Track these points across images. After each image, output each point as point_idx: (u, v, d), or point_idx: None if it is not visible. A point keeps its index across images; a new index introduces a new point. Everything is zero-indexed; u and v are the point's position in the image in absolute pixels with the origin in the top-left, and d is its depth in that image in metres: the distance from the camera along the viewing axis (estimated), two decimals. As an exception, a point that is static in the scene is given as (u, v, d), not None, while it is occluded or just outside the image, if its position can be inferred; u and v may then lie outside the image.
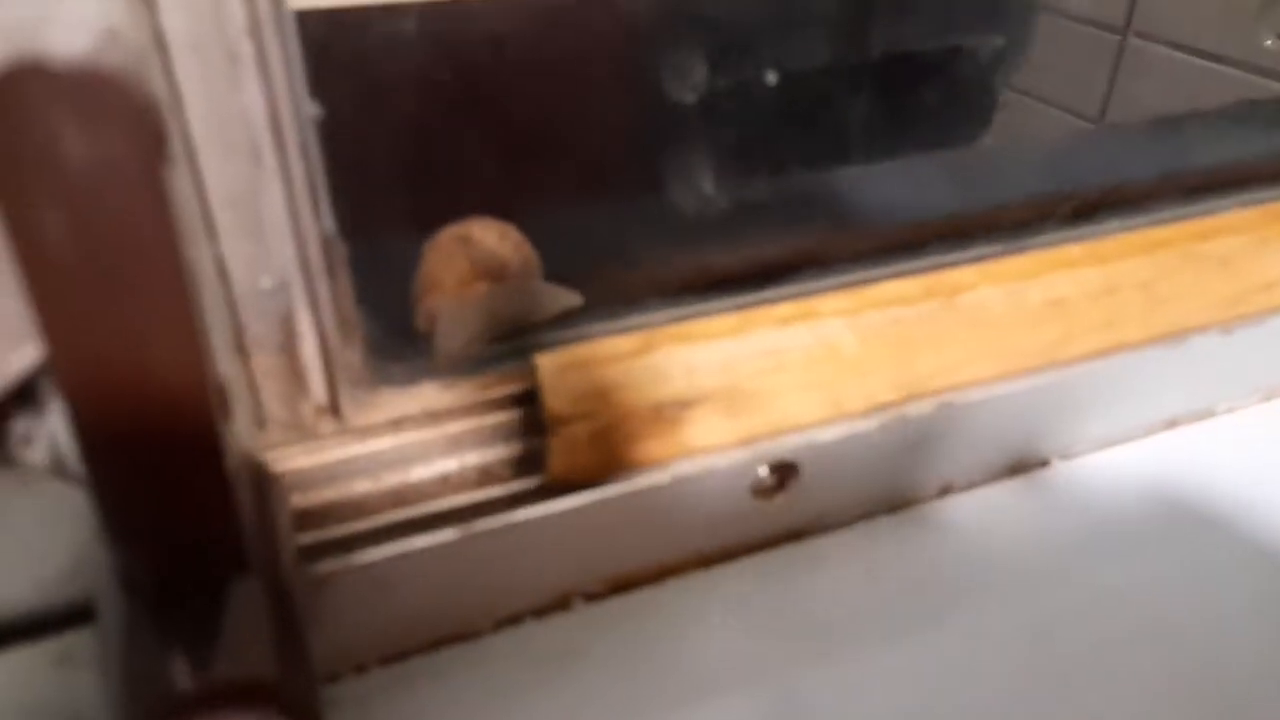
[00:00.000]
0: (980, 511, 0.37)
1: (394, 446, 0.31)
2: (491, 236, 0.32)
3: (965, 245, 0.38)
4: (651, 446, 0.32)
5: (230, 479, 0.21)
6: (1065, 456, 0.39)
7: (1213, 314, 0.38)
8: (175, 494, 0.21)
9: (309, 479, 0.30)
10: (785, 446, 0.33)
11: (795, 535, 0.35)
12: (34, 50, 0.16)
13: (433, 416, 0.31)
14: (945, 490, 0.37)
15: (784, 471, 0.33)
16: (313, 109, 0.25)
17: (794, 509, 0.34)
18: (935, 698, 0.30)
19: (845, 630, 0.32)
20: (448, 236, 0.33)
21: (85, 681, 0.25)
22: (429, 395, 0.31)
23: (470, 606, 0.31)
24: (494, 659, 0.31)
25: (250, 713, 0.20)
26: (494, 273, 0.32)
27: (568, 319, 0.33)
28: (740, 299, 0.35)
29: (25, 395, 0.22)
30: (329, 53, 0.25)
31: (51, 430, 0.22)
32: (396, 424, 0.31)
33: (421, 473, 0.31)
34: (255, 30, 0.23)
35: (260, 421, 0.28)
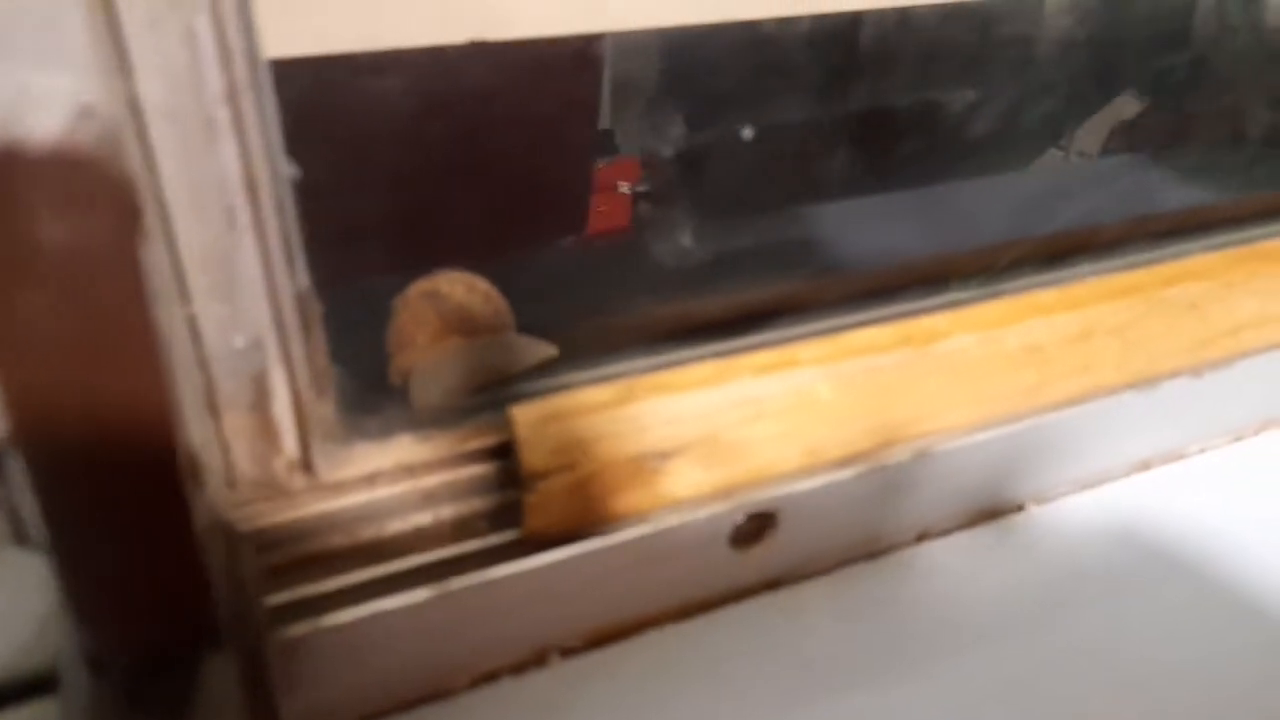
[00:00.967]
0: (957, 557, 0.37)
1: (368, 501, 0.30)
2: (460, 290, 0.32)
3: (939, 290, 0.38)
4: (629, 498, 0.32)
5: (200, 550, 0.21)
6: (1040, 501, 0.39)
7: (1183, 358, 0.39)
8: (143, 568, 0.20)
9: (280, 536, 0.29)
10: (763, 496, 0.33)
11: (773, 584, 0.35)
12: (10, 134, 0.15)
13: (407, 470, 0.31)
14: (922, 536, 0.37)
15: (762, 521, 0.33)
16: (290, 169, 0.25)
17: (772, 558, 0.34)
18: (915, 751, 0.30)
19: (824, 678, 0.32)
20: (416, 293, 0.32)
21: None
22: (403, 448, 0.30)
23: (446, 664, 0.30)
24: (471, 718, 0.30)
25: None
26: (464, 326, 0.31)
27: (544, 369, 0.33)
28: (717, 346, 0.35)
29: (-12, 464, 0.21)
30: (299, 108, 0.24)
31: (13, 500, 0.22)
32: (370, 478, 0.30)
33: (396, 527, 0.31)
34: (232, 96, 0.22)
35: (231, 481, 0.28)
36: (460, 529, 0.31)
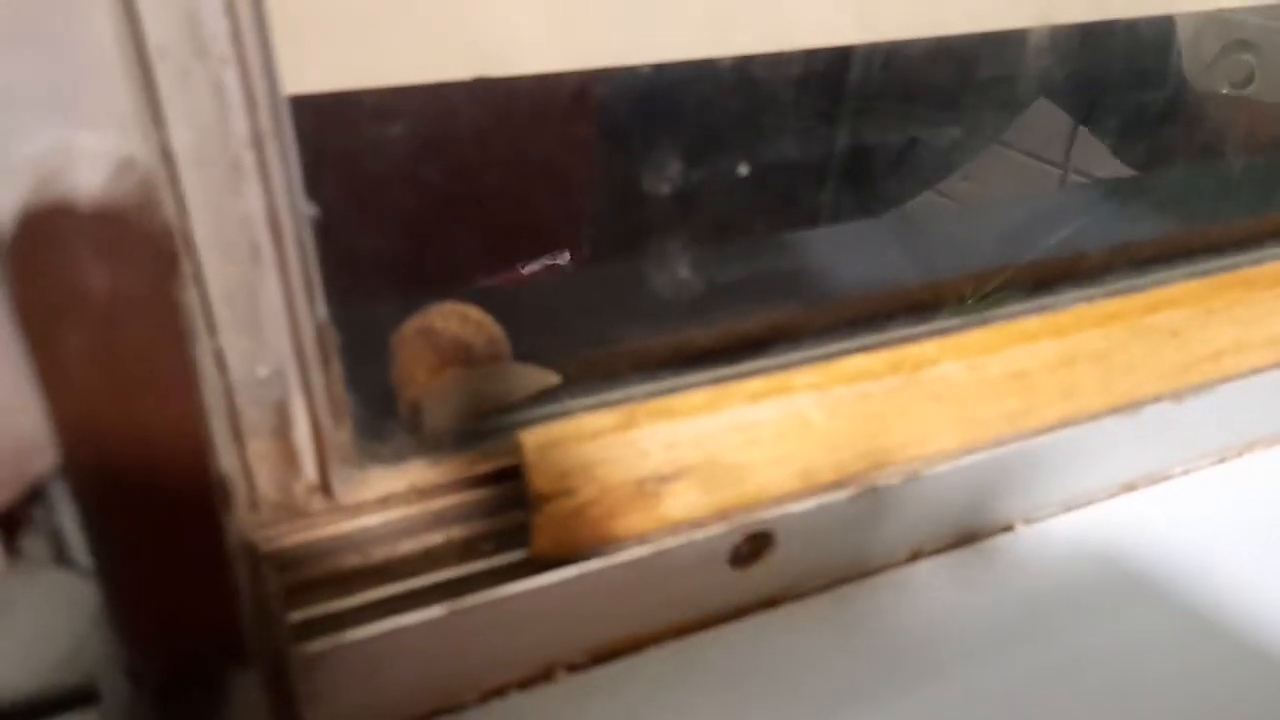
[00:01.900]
0: (948, 576, 0.38)
1: (382, 522, 0.32)
2: (453, 323, 0.33)
3: (927, 318, 0.40)
4: (632, 520, 0.33)
5: (231, 569, 0.22)
6: (1029, 520, 0.41)
7: (1165, 383, 0.40)
8: (179, 587, 0.22)
9: (300, 556, 0.31)
10: (761, 518, 0.34)
11: (770, 603, 0.36)
12: (59, 189, 0.17)
13: (420, 493, 0.32)
14: (915, 555, 0.39)
15: (760, 542, 0.35)
16: (309, 209, 0.26)
17: (769, 578, 0.35)
18: (907, 763, 0.31)
19: (819, 695, 0.33)
20: (410, 331, 0.34)
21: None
22: (416, 472, 0.32)
23: (457, 679, 0.32)
24: (480, 731, 0.32)
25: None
26: (461, 358, 0.33)
27: (549, 395, 0.35)
28: (714, 373, 0.37)
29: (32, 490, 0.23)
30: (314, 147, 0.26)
31: (56, 523, 0.23)
32: (384, 501, 0.32)
33: (409, 547, 0.32)
34: (257, 141, 0.24)
35: (253, 504, 0.29)
36: (469, 549, 0.33)
